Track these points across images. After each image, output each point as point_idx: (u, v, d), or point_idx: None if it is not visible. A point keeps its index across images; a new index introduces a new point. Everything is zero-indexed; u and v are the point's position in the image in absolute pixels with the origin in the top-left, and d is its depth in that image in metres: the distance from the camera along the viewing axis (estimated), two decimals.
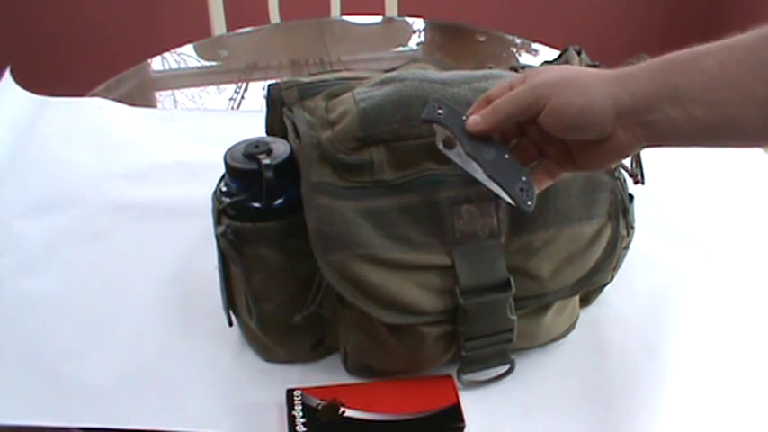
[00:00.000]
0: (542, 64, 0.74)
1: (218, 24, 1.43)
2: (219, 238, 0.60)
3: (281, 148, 0.61)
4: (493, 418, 0.62)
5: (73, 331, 0.69)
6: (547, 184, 0.56)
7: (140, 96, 1.09)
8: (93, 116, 0.99)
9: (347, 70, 0.72)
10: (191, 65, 1.20)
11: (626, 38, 2.19)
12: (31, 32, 1.93)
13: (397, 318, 0.59)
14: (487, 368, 0.64)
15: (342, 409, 0.60)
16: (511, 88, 0.54)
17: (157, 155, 0.93)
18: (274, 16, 1.45)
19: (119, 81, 1.11)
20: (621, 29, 2.22)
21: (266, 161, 0.59)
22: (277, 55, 1.24)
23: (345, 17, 1.40)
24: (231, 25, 1.41)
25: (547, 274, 0.62)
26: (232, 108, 1.07)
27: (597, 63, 0.72)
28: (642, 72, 0.50)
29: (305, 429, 0.58)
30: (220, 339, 0.68)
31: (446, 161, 0.56)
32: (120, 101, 1.03)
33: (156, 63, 1.19)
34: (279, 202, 0.60)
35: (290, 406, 0.60)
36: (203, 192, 0.64)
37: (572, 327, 0.69)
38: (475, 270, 0.60)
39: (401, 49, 1.29)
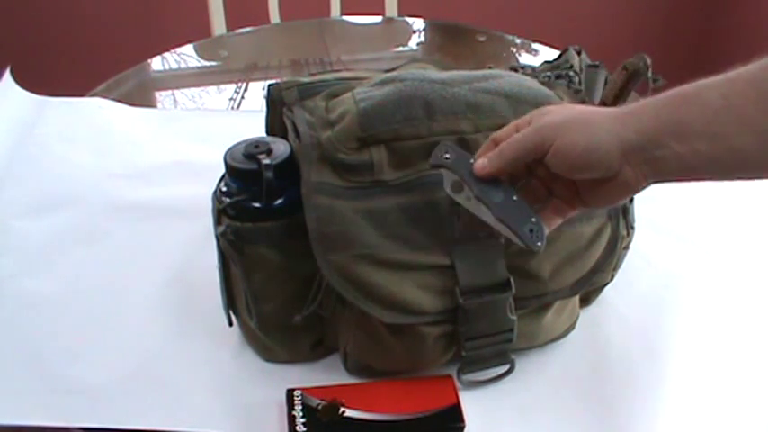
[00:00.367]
0: (542, 64, 0.74)
1: (218, 24, 1.43)
2: (219, 238, 0.60)
3: (281, 148, 0.61)
4: (493, 418, 0.62)
5: (73, 331, 0.69)
6: (557, 223, 0.56)
7: (140, 96, 1.09)
8: (93, 116, 0.99)
9: (347, 70, 0.72)
10: (191, 65, 1.20)
11: (626, 38, 2.19)
12: (31, 32, 1.93)
13: (397, 318, 0.59)
14: (487, 368, 0.64)
15: (342, 409, 0.60)
16: (517, 130, 0.54)
17: (157, 155, 0.93)
18: (274, 16, 1.45)
19: (119, 81, 1.11)
20: (621, 29, 2.22)
21: (266, 161, 0.59)
22: (277, 55, 1.24)
23: (345, 17, 1.40)
24: (231, 25, 1.41)
25: (547, 274, 0.62)
26: (232, 108, 1.07)
27: (597, 63, 0.72)
28: (646, 109, 0.50)
29: (305, 429, 0.58)
30: (220, 339, 0.68)
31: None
32: (120, 101, 1.03)
33: (156, 63, 1.19)
34: (279, 202, 0.60)
35: (290, 406, 0.60)
36: (203, 192, 0.64)
37: (572, 327, 0.69)
38: (475, 270, 0.60)
39: (401, 49, 1.29)
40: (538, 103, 0.61)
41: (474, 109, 0.61)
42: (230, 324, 0.67)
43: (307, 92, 0.65)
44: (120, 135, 0.97)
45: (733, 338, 0.71)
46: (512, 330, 0.62)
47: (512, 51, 1.24)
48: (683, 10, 2.23)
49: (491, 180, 0.54)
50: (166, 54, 1.20)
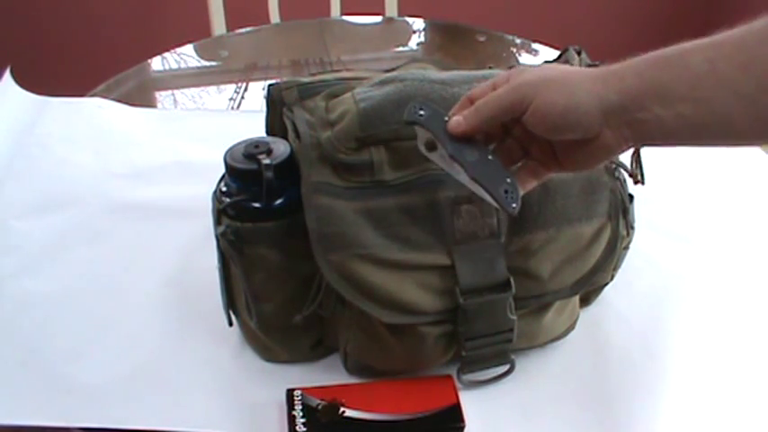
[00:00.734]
0: (542, 64, 0.74)
1: (218, 24, 1.43)
2: (219, 238, 0.60)
3: (281, 148, 0.61)
4: (493, 418, 0.62)
5: (73, 331, 0.69)
6: (532, 185, 0.55)
7: (140, 96, 1.09)
8: (93, 116, 0.99)
9: (347, 70, 0.72)
10: (191, 65, 1.20)
11: (626, 38, 2.19)
12: (31, 32, 1.93)
13: (397, 318, 0.59)
14: (487, 368, 0.64)
15: (342, 409, 0.60)
16: (494, 88, 0.53)
17: (157, 155, 0.93)
18: (274, 16, 1.45)
19: (119, 81, 1.11)
20: (621, 29, 2.22)
21: (266, 161, 0.59)
22: (277, 55, 1.24)
23: (345, 17, 1.40)
24: (231, 25, 1.41)
25: (547, 274, 0.62)
26: (232, 108, 1.07)
27: (597, 63, 0.72)
28: (629, 70, 0.49)
29: (305, 429, 0.58)
30: (220, 339, 0.68)
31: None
32: (120, 101, 1.03)
33: (156, 63, 1.19)
34: (279, 202, 0.60)
35: (290, 406, 0.60)
36: (203, 192, 0.64)
37: (572, 327, 0.69)
38: (475, 270, 0.60)
39: (401, 49, 1.29)
40: None
41: None
42: (230, 324, 0.67)
43: (307, 92, 0.65)
44: (120, 135, 0.97)
45: (733, 338, 0.71)
46: (512, 330, 0.62)
47: (512, 51, 1.24)
48: (683, 10, 2.23)
49: (466, 139, 0.53)
50: (166, 54, 1.20)
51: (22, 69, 1.03)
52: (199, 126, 1.00)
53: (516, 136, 0.55)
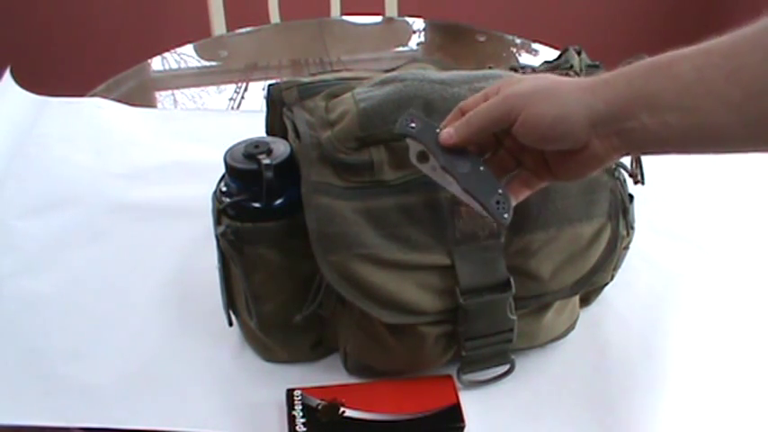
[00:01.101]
0: (542, 64, 0.74)
1: (218, 24, 1.43)
2: (219, 238, 0.60)
3: (281, 148, 0.61)
4: (493, 418, 0.62)
5: (73, 331, 0.69)
6: (524, 195, 0.55)
7: (140, 96, 1.09)
8: (93, 116, 0.99)
9: (347, 70, 0.72)
10: (191, 65, 1.20)
11: (626, 38, 2.19)
12: (31, 32, 1.93)
13: (397, 318, 0.59)
14: (487, 368, 0.64)
15: (342, 409, 0.60)
16: (485, 99, 0.53)
17: (157, 155, 0.93)
18: (274, 16, 1.45)
19: (119, 81, 1.11)
20: (621, 29, 2.22)
21: (266, 161, 0.59)
22: (277, 55, 1.24)
23: (345, 17, 1.40)
24: (231, 25, 1.41)
25: (547, 274, 0.62)
26: (232, 108, 1.07)
27: (597, 63, 0.72)
28: (617, 79, 0.49)
29: (305, 429, 0.58)
30: (220, 339, 0.68)
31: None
32: (120, 101, 1.03)
33: (156, 63, 1.19)
34: (279, 202, 0.60)
35: (290, 406, 0.60)
36: (203, 192, 0.64)
37: (572, 327, 0.69)
38: (475, 270, 0.60)
39: (401, 49, 1.29)
40: None
41: None
42: (230, 324, 0.67)
43: (307, 92, 0.65)
44: (120, 135, 0.97)
45: (733, 338, 0.71)
46: (512, 330, 0.62)
47: (512, 51, 1.24)
48: (683, 10, 2.23)
49: (458, 150, 0.53)
50: (166, 54, 1.20)
51: (22, 69, 1.03)
52: (199, 126, 1.00)
53: (508, 147, 0.55)
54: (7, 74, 0.99)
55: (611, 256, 0.64)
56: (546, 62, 0.74)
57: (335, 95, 0.64)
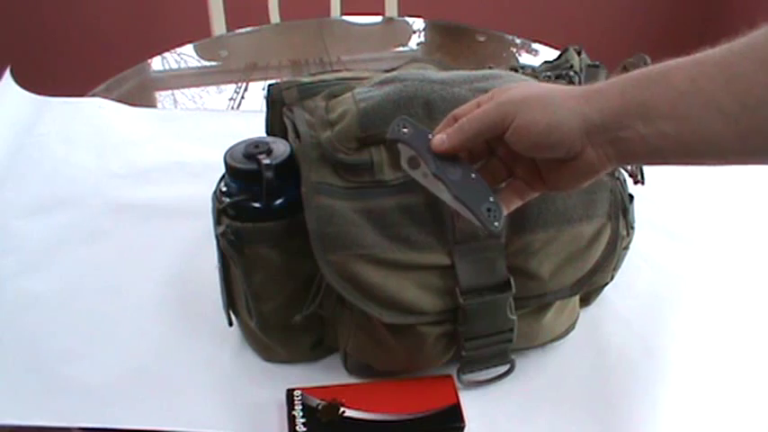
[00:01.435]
0: (542, 64, 0.74)
1: (218, 24, 1.43)
2: (219, 238, 0.60)
3: (281, 148, 0.61)
4: (493, 418, 0.62)
5: (73, 331, 0.69)
6: (516, 204, 0.55)
7: (140, 96, 1.09)
8: (93, 116, 0.99)
9: (347, 70, 0.72)
10: (191, 65, 1.20)
11: (626, 38, 2.20)
12: (31, 32, 1.93)
13: (397, 318, 0.59)
14: (487, 368, 0.64)
15: (342, 409, 0.60)
16: (478, 106, 0.53)
17: (157, 155, 0.93)
18: (274, 16, 1.45)
19: (119, 81, 1.11)
20: (621, 29, 2.22)
21: (266, 161, 0.59)
22: (277, 55, 1.24)
23: (345, 17, 1.40)
24: (231, 25, 1.41)
25: (547, 274, 0.62)
26: (232, 108, 1.07)
27: (597, 63, 0.72)
28: (611, 88, 0.49)
29: (305, 429, 0.58)
30: (220, 339, 0.68)
31: None
32: (120, 101, 1.03)
33: (156, 63, 1.19)
34: (279, 202, 0.60)
35: (290, 406, 0.60)
36: (203, 192, 0.64)
37: (572, 327, 0.69)
38: (475, 270, 0.60)
39: (401, 49, 1.29)
40: None
41: None
42: (230, 324, 0.67)
43: (307, 92, 0.65)
44: (120, 135, 0.97)
45: (733, 338, 0.71)
46: (512, 330, 0.62)
47: (512, 51, 1.24)
48: (683, 10, 2.23)
49: (449, 157, 0.53)
50: (166, 54, 1.20)
51: (22, 69, 1.03)
52: (199, 126, 1.00)
53: (501, 155, 0.54)
54: (7, 74, 0.99)
55: (611, 256, 0.65)
56: (546, 62, 0.74)
57: (335, 95, 0.64)
